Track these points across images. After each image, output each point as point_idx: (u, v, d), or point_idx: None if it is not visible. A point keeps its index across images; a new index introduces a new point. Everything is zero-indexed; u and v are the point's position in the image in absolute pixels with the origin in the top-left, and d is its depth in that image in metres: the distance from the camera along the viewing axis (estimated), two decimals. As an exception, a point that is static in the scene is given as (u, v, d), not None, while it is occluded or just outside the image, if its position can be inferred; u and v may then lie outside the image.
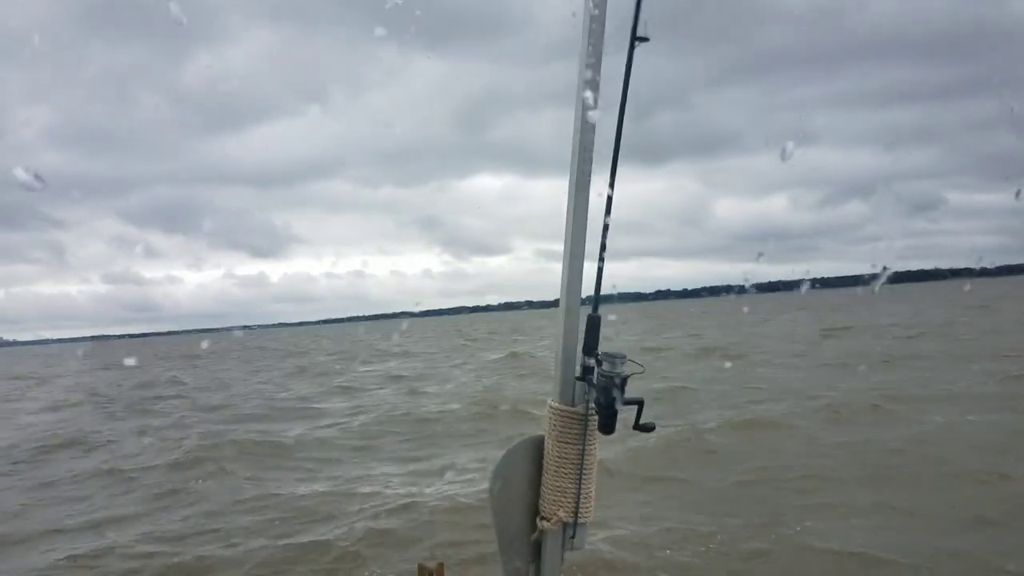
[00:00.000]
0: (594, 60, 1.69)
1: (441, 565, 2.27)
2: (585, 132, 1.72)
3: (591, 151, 1.72)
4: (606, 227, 1.77)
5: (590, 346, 1.76)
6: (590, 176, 1.74)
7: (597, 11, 1.69)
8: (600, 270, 1.78)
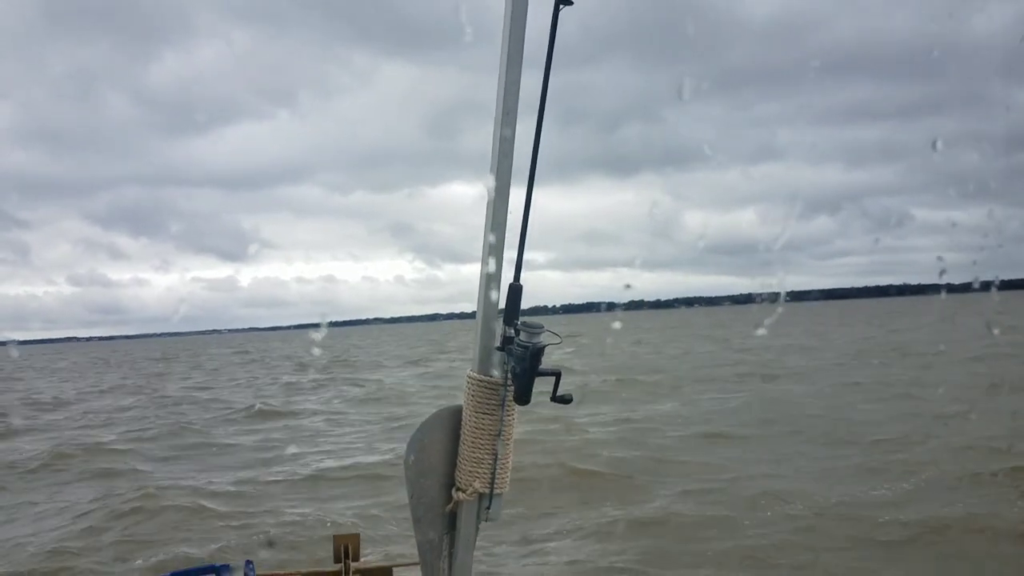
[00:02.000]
0: (519, 25, 1.69)
1: (357, 535, 2.24)
2: (509, 98, 1.71)
3: (514, 117, 1.72)
4: (528, 197, 1.76)
5: (510, 316, 1.75)
6: (512, 147, 1.74)
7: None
8: (522, 241, 1.77)
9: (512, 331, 1.74)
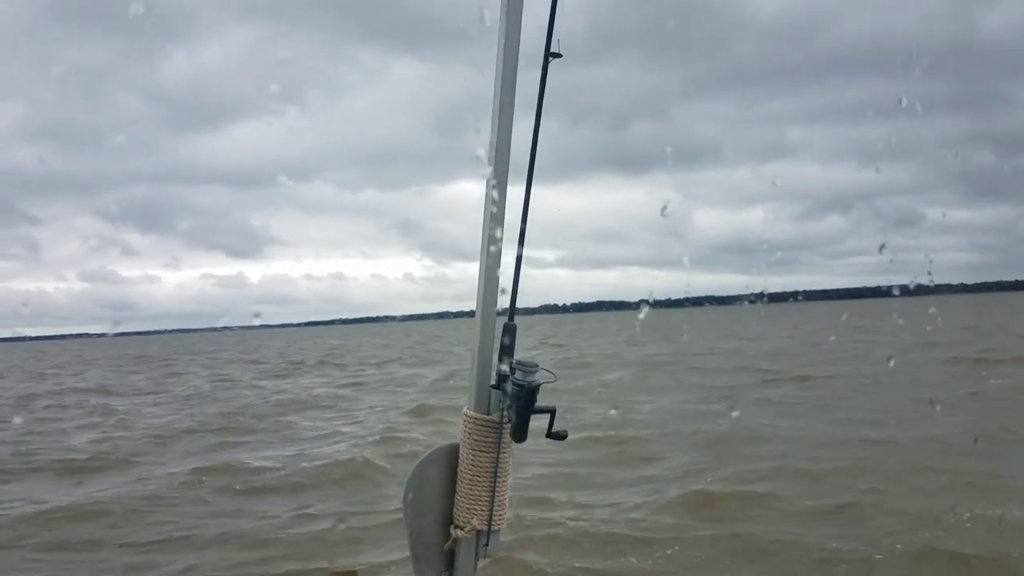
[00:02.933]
0: (509, 75, 1.71)
1: (355, 572, 2.26)
2: (501, 144, 1.73)
3: (507, 161, 1.74)
4: (522, 238, 1.79)
5: (505, 354, 1.78)
6: (507, 185, 1.76)
7: (512, 24, 1.70)
8: (516, 280, 1.80)
9: (507, 369, 1.77)
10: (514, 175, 1.79)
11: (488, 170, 1.73)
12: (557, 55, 1.71)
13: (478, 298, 1.79)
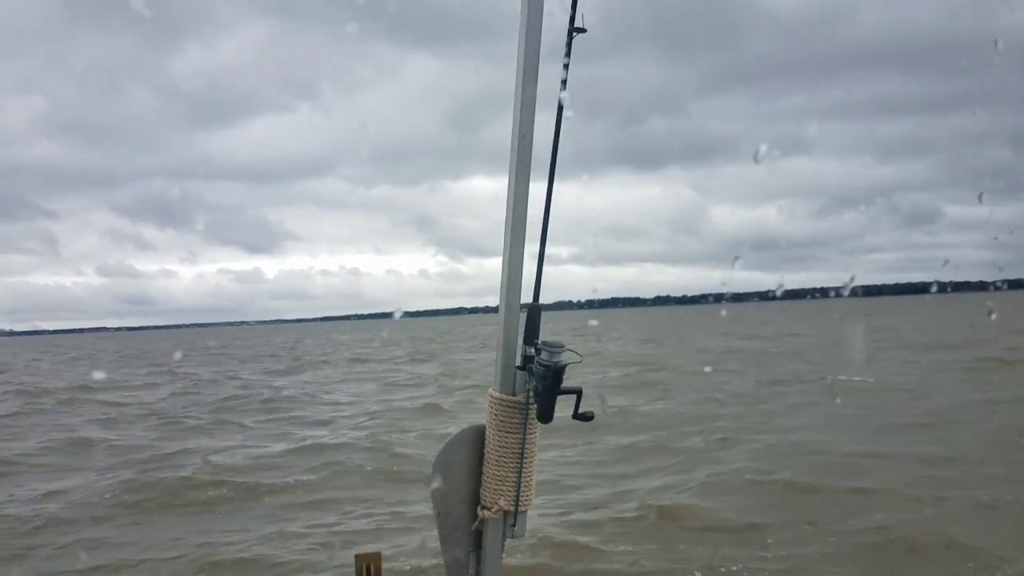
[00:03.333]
0: (533, 51, 1.71)
1: (379, 554, 2.28)
2: (524, 123, 1.74)
3: (530, 140, 1.74)
4: (546, 220, 1.79)
5: (530, 336, 1.78)
6: (530, 167, 1.76)
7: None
8: (540, 263, 1.80)
9: (533, 350, 1.77)
10: (539, 166, 1.80)
11: (512, 149, 1.73)
12: (582, 30, 1.71)
13: (502, 278, 1.80)
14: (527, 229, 1.79)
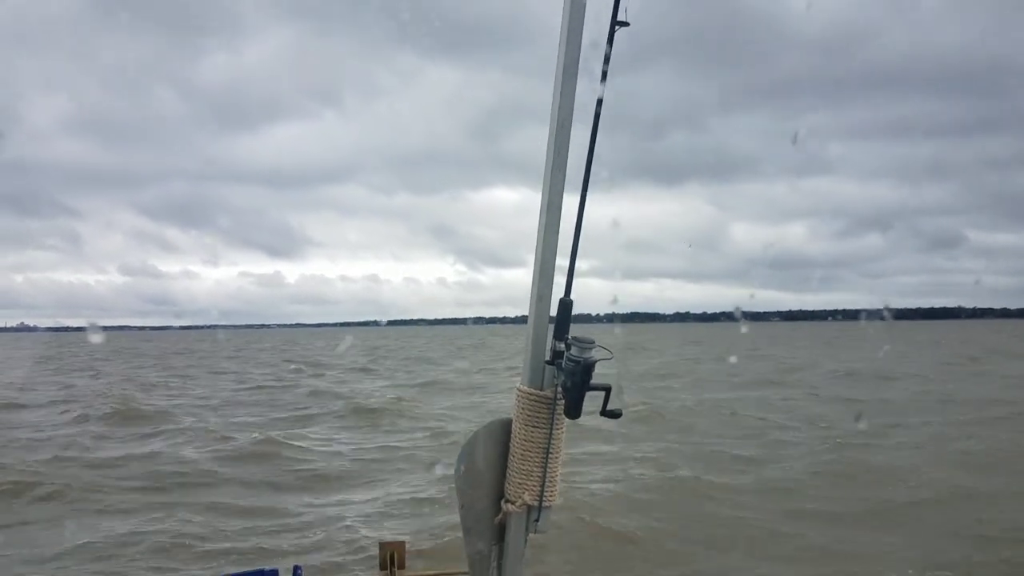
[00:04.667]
0: (575, 47, 1.71)
1: (403, 543, 2.26)
2: (563, 115, 1.73)
3: (568, 133, 1.74)
4: (581, 211, 1.77)
5: (561, 331, 1.77)
6: (566, 160, 1.76)
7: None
8: (573, 257, 1.79)
9: (563, 346, 1.76)
10: (572, 162, 1.79)
11: (548, 144, 1.73)
12: (624, 23, 1.70)
13: (534, 273, 1.78)
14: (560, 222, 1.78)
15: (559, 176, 1.74)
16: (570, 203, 1.79)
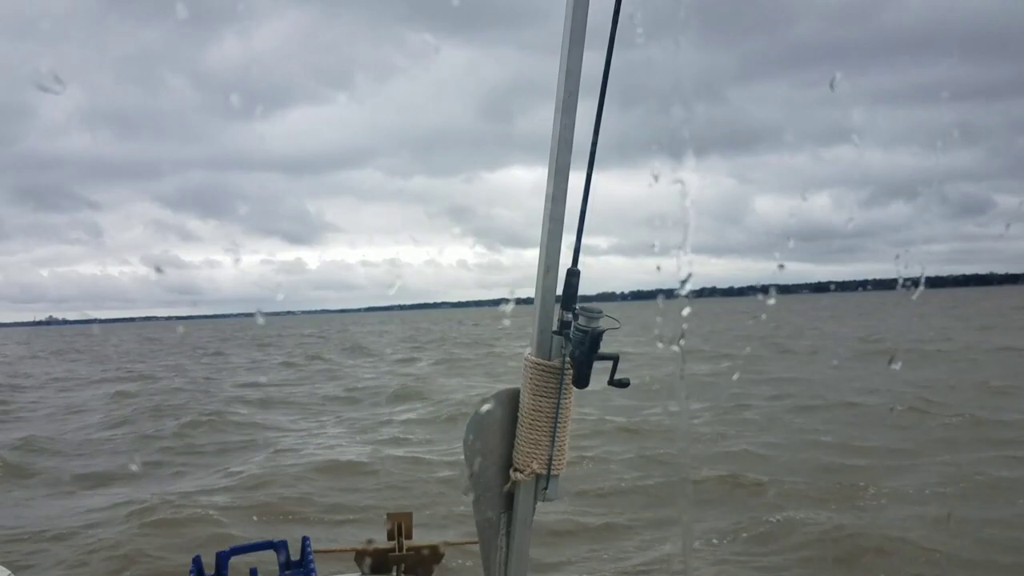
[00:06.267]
0: (580, 24, 1.70)
1: (410, 514, 2.29)
2: (569, 89, 1.72)
3: (575, 102, 1.73)
4: (587, 188, 1.77)
5: (568, 300, 1.77)
6: (573, 126, 1.75)
7: None
8: (580, 227, 1.79)
9: (570, 315, 1.76)
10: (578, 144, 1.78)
11: (556, 104, 1.72)
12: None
13: (541, 243, 1.79)
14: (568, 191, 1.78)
15: (566, 148, 1.73)
16: (579, 178, 1.79)
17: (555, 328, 1.79)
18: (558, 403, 1.81)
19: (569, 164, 1.74)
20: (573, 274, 1.78)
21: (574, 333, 1.73)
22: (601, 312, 1.73)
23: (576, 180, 1.77)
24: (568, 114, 1.73)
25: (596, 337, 1.71)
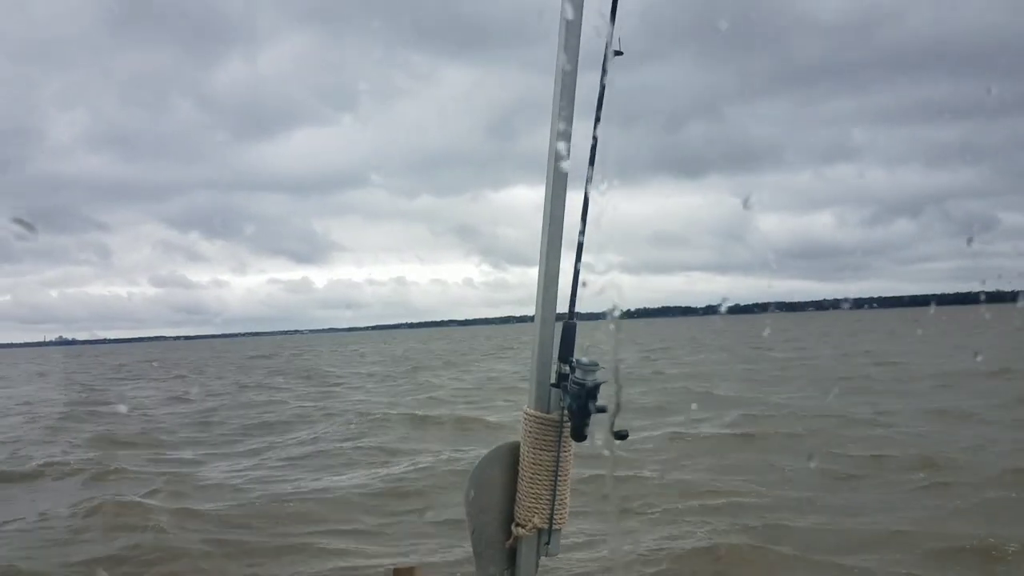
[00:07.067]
0: (570, 71, 1.71)
1: (413, 569, 2.29)
2: (560, 142, 1.74)
3: (566, 154, 1.74)
4: (581, 239, 1.78)
5: (565, 353, 1.78)
6: (565, 186, 1.76)
7: (573, 17, 1.70)
8: (576, 279, 1.79)
9: (567, 368, 1.76)
10: (576, 179, 1.79)
11: (548, 168, 1.73)
12: (619, 53, 1.70)
13: (537, 296, 1.79)
14: (563, 243, 1.79)
15: (559, 198, 1.74)
16: (573, 217, 1.80)
17: (552, 381, 1.79)
18: (558, 456, 1.81)
19: (563, 217, 1.76)
20: (570, 327, 1.78)
21: (571, 386, 1.73)
22: (597, 365, 1.73)
23: (572, 215, 1.78)
24: (560, 163, 1.74)
25: (592, 390, 1.70)
